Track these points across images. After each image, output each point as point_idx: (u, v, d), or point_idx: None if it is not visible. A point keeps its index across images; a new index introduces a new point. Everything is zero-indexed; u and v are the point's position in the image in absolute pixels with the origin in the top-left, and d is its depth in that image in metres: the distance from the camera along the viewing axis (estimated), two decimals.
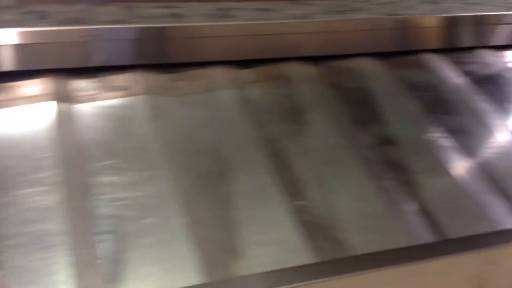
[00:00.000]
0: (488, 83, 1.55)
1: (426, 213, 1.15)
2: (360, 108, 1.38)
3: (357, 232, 1.10)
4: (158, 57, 1.41)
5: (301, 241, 1.04)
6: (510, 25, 1.76)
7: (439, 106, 1.42)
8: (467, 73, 1.56)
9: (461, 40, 1.70)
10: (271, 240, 1.04)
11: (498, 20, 1.75)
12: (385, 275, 1.02)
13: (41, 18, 1.37)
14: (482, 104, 1.46)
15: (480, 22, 1.72)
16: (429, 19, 1.68)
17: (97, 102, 1.27)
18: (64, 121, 1.19)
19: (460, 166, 1.27)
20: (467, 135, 1.36)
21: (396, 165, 1.25)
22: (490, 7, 1.81)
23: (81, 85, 1.30)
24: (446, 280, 1.07)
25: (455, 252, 1.06)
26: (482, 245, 1.09)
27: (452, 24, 1.70)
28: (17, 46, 1.27)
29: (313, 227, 1.08)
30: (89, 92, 1.29)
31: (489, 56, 1.68)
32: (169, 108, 1.27)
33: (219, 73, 1.42)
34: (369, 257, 1.04)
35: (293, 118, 1.32)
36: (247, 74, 1.44)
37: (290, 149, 1.24)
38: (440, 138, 1.33)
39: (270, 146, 1.23)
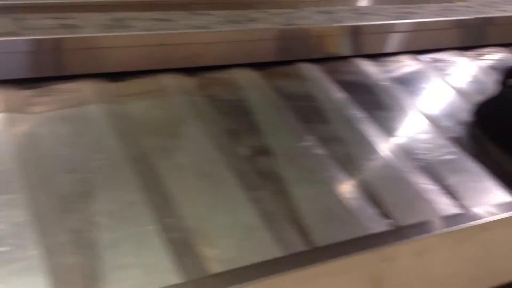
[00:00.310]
0: (363, 92, 1.60)
1: (299, 222, 1.16)
2: (235, 120, 1.37)
3: (229, 247, 1.07)
4: (22, 72, 1.33)
5: (168, 260, 1.00)
6: (387, 34, 1.84)
7: (314, 115, 1.44)
8: (342, 82, 1.60)
9: (339, 49, 1.76)
10: (136, 262, 0.99)
11: (376, 30, 1.83)
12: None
13: None
14: (356, 112, 1.51)
15: (359, 32, 1.79)
16: (309, 29, 1.72)
17: None
18: None
19: (333, 174, 1.29)
20: (341, 143, 1.38)
21: (270, 176, 1.24)
22: (380, 17, 1.89)
23: None
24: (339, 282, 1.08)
25: (347, 254, 1.07)
26: (375, 245, 1.11)
27: (330, 34, 1.75)
28: None
29: (182, 245, 1.04)
30: None
31: (365, 65, 1.74)
32: (28, 126, 1.18)
33: (89, 87, 1.35)
34: (240, 271, 1.02)
35: (166, 132, 1.28)
36: (120, 87, 1.38)
37: (162, 165, 1.19)
38: (313, 147, 1.34)
39: (140, 162, 1.18)
